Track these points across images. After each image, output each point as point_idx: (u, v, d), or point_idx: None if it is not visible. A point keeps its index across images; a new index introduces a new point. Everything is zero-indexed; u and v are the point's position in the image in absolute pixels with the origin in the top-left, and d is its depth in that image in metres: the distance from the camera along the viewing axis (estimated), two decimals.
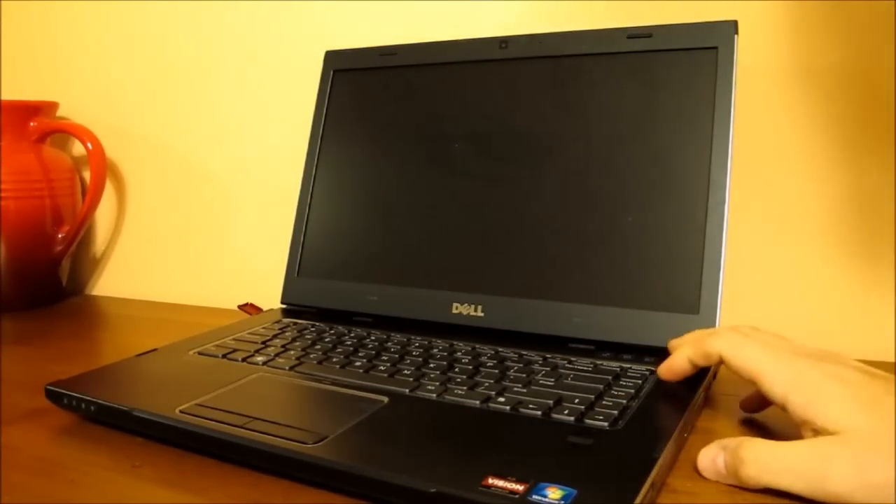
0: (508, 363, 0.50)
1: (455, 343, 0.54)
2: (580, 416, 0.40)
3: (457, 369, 0.48)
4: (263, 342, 0.56)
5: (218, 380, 0.48)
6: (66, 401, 0.45)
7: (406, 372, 0.48)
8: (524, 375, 0.47)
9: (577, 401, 0.42)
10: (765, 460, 0.35)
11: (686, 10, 0.62)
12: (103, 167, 0.81)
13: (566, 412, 0.41)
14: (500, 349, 0.53)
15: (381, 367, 0.49)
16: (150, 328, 0.74)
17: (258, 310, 0.71)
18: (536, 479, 0.33)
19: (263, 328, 0.60)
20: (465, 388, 0.45)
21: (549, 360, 0.50)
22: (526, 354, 0.51)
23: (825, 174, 0.61)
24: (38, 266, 0.81)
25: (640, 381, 0.46)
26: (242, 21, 0.81)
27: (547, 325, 0.54)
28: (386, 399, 0.44)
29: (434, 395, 0.44)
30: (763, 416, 0.46)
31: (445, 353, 0.52)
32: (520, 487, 0.32)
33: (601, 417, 0.40)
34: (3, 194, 0.75)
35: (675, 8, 0.63)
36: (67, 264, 0.85)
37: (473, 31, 0.65)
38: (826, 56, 0.60)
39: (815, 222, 0.61)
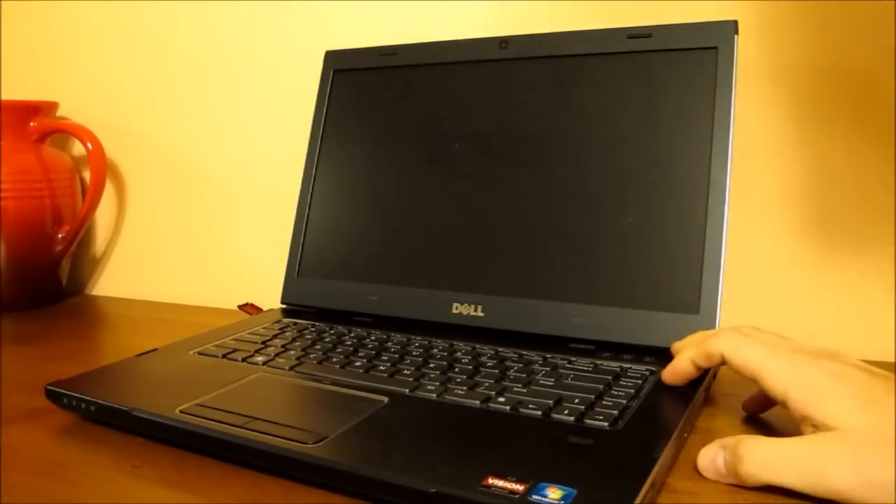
0: (508, 363, 0.50)
1: (455, 343, 0.54)
2: (580, 416, 0.40)
3: (457, 369, 0.48)
4: (263, 342, 0.56)
5: (218, 380, 0.48)
6: (66, 401, 0.45)
7: (406, 372, 0.48)
8: (524, 375, 0.47)
9: (577, 401, 0.42)
10: (764, 457, 0.35)
11: (686, 10, 0.62)
12: (103, 167, 0.81)
13: (566, 412, 0.41)
14: (500, 349, 0.53)
15: (381, 367, 0.49)
16: (150, 328, 0.74)
17: (258, 310, 0.71)
18: (536, 479, 0.33)
19: (263, 328, 0.60)
20: (465, 388, 0.45)
21: (549, 360, 0.50)
22: (526, 354, 0.51)
23: (826, 174, 0.61)
24: (38, 266, 0.81)
25: (640, 381, 0.46)
26: (242, 21, 0.81)
27: (547, 325, 0.54)
28: (386, 399, 0.44)
29: (434, 395, 0.44)
30: (763, 415, 0.46)
31: (445, 353, 0.52)
32: (520, 487, 0.32)
33: (601, 417, 0.40)
34: (3, 194, 0.75)
35: (675, 8, 0.63)
36: (67, 264, 0.85)
37: (473, 31, 0.65)
38: (838, 55, 0.60)
39: (815, 222, 0.61)
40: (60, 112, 0.87)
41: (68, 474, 0.39)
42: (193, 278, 0.86)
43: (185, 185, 0.86)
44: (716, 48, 0.53)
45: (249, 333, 0.58)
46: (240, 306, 0.72)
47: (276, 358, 0.52)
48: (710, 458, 0.38)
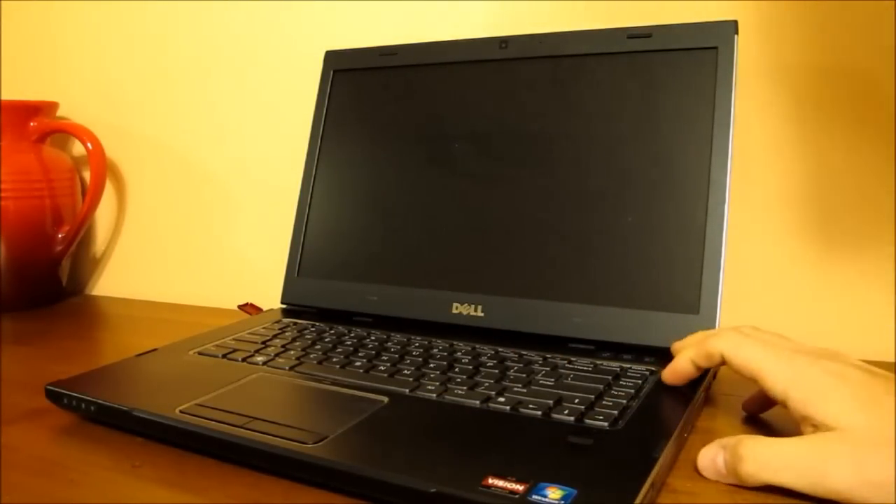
0: (508, 363, 0.49)
1: (455, 343, 0.54)
2: (580, 416, 0.40)
3: (457, 369, 0.48)
4: (263, 342, 0.56)
5: (218, 380, 0.48)
6: (66, 401, 0.45)
7: (406, 372, 0.48)
8: (524, 375, 0.47)
9: (577, 401, 0.42)
10: (764, 457, 0.35)
11: (686, 10, 0.62)
12: (103, 167, 0.81)
13: (566, 412, 0.41)
14: (500, 349, 0.53)
15: (381, 367, 0.49)
16: (150, 328, 0.74)
17: (258, 310, 0.71)
18: (536, 479, 0.33)
19: (263, 328, 0.60)
20: (465, 388, 0.45)
21: (549, 360, 0.50)
22: (526, 354, 0.51)
23: (826, 174, 0.61)
24: (38, 266, 0.81)
25: (640, 381, 0.46)
26: (242, 21, 0.81)
27: (547, 325, 0.54)
28: (386, 399, 0.44)
29: (434, 395, 0.44)
30: (763, 415, 0.46)
31: (445, 353, 0.52)
32: (520, 487, 0.32)
33: (601, 417, 0.40)
34: (3, 194, 0.75)
35: (675, 8, 0.63)
36: (67, 264, 0.85)
37: (473, 31, 0.65)
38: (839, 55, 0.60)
39: (815, 222, 0.61)
40: (60, 112, 0.87)
41: (68, 474, 0.39)
42: (193, 278, 0.86)
43: (185, 185, 0.86)
44: (716, 48, 0.53)
45: (249, 333, 0.58)
46: (240, 306, 0.72)
47: (276, 358, 0.52)
48: (710, 458, 0.38)
